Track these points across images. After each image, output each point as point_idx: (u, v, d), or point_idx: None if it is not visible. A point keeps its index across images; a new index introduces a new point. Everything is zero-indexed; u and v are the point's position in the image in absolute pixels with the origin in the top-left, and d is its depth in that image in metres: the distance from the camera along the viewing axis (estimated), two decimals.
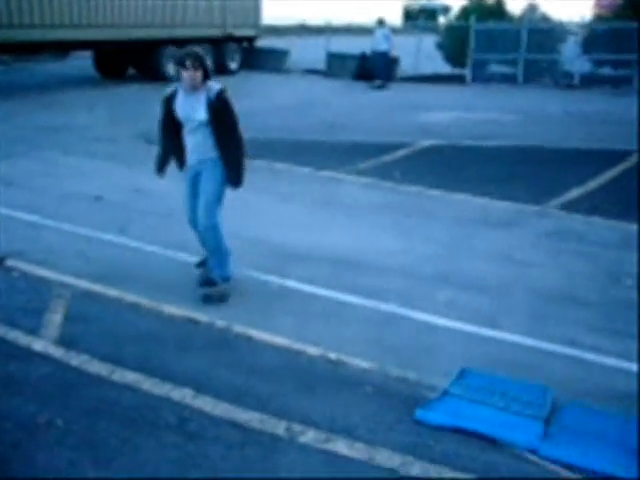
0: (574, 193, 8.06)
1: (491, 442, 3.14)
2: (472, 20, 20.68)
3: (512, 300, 5.13)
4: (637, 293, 4.34)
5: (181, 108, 4.81)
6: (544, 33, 20.93)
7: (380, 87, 18.96)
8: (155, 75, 18.73)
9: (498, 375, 3.91)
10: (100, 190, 7.54)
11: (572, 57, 20.46)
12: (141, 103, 14.16)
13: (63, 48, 20.38)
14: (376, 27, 19.78)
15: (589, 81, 19.70)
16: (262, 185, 7.71)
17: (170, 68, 19.11)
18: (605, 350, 4.43)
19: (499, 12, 22.59)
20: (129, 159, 9.22)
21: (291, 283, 5.15)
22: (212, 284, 4.93)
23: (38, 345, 3.94)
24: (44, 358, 3.78)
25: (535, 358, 4.29)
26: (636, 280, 5.46)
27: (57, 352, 3.86)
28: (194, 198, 4.95)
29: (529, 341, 4.49)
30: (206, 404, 3.27)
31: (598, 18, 21.99)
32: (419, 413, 3.33)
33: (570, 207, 7.55)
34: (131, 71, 20.33)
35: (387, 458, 2.87)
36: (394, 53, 20.07)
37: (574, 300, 5.20)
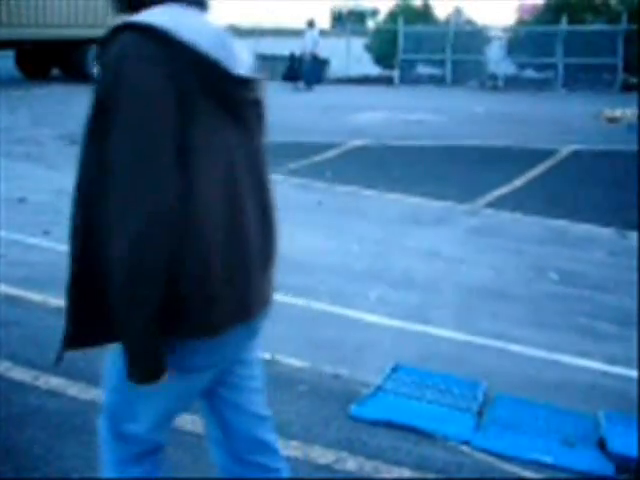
0: (500, 191, 8.24)
1: (425, 436, 3.16)
2: (400, 23, 20.97)
3: (441, 296, 5.20)
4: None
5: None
6: (470, 35, 21.46)
7: (306, 89, 19.04)
8: (80, 75, 18.28)
9: (430, 370, 3.94)
10: (24, 192, 7.28)
11: (497, 59, 21.03)
12: (65, 104, 13.78)
13: None
14: (306, 29, 19.84)
15: (513, 83, 20.27)
16: None
17: (96, 68, 18.68)
18: (533, 342, 4.53)
19: (426, 15, 23.02)
20: (53, 160, 8.96)
21: None
22: None
23: None
24: None
25: (465, 352, 4.35)
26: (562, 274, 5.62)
27: None
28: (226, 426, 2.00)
29: (459, 335, 4.55)
30: None
31: (521, 22, 22.66)
32: (353, 409, 3.33)
33: (496, 205, 7.72)
34: (55, 71, 19.81)
35: (321, 455, 2.85)
36: (323, 55, 20.20)
37: (501, 294, 5.30)
